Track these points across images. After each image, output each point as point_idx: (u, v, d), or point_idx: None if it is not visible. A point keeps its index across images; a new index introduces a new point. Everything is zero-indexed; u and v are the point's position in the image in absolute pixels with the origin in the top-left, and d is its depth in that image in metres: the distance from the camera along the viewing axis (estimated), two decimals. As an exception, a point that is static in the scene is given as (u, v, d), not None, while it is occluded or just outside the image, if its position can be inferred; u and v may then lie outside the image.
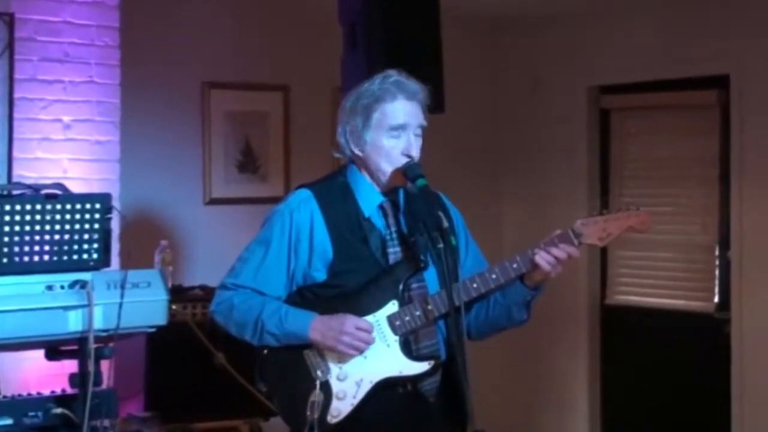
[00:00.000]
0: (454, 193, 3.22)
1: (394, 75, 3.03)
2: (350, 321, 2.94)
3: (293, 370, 3.00)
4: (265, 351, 3.04)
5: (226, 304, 3.07)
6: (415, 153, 3.00)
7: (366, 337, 2.94)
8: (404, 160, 2.98)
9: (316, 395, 2.95)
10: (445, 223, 2.86)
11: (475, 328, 3.13)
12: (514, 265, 2.98)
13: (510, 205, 6.75)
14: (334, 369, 2.98)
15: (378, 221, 3.05)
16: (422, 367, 2.97)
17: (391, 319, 2.98)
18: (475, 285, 2.97)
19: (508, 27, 6.62)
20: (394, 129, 2.98)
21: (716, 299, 5.78)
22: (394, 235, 3.04)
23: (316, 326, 2.95)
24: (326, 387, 2.97)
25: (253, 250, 3.07)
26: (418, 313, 2.97)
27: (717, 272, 5.78)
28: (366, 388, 2.97)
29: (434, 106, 3.16)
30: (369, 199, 3.05)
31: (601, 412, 6.34)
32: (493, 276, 2.98)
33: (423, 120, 3.02)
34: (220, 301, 3.09)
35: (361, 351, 2.95)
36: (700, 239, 5.88)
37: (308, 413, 2.93)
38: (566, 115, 6.37)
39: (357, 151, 3.04)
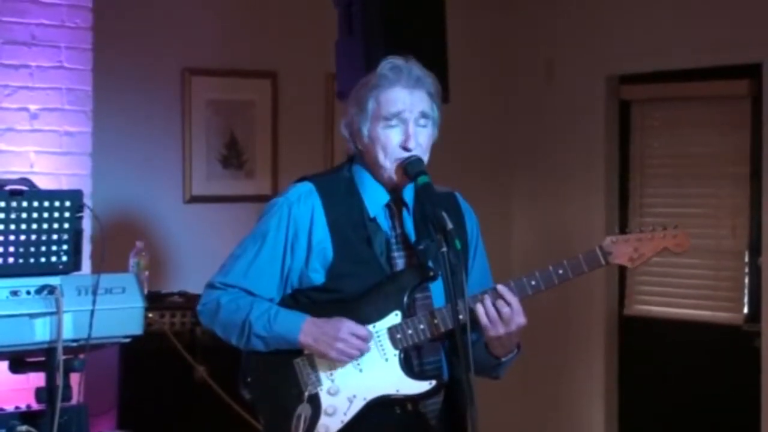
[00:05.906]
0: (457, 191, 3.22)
1: (393, 61, 3.01)
2: (346, 326, 2.92)
3: (280, 378, 3.00)
4: (254, 356, 3.04)
5: (213, 304, 3.05)
6: (414, 145, 2.95)
7: (361, 345, 2.93)
8: (403, 154, 2.96)
9: (303, 408, 2.95)
10: (449, 225, 2.84)
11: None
12: (533, 282, 2.96)
13: (520, 206, 6.74)
14: (326, 382, 2.97)
15: (384, 222, 3.03)
16: (422, 386, 2.96)
17: (392, 331, 2.96)
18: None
19: (518, 8, 6.62)
20: (388, 118, 2.95)
21: (745, 310, 5.77)
22: (399, 239, 3.03)
23: (308, 329, 2.94)
24: (315, 400, 2.96)
25: (245, 246, 3.06)
26: (422, 326, 2.95)
27: (746, 280, 5.77)
28: (358, 405, 2.96)
29: (438, 96, 3.15)
30: (375, 198, 3.03)
31: (619, 431, 6.34)
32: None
33: (426, 107, 2.98)
34: (206, 301, 3.08)
35: (354, 359, 2.94)
36: (728, 244, 5.87)
37: (293, 427, 2.93)
38: (582, 106, 6.37)
39: (358, 145, 3.04)
